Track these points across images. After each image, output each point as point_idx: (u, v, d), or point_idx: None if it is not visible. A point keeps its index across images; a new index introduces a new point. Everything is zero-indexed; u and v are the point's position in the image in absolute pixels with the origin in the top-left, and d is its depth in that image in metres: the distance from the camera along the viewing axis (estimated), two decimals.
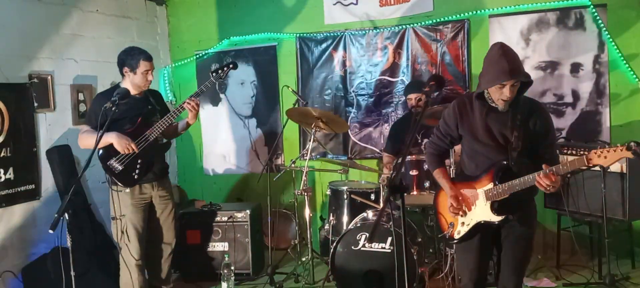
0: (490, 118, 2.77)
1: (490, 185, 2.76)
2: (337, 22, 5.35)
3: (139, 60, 3.76)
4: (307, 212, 4.34)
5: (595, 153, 2.48)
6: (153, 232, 3.99)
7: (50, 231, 2.91)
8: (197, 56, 5.77)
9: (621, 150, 2.41)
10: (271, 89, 5.59)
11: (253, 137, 5.71)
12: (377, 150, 5.30)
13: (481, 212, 2.82)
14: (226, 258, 4.22)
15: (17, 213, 4.13)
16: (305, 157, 4.40)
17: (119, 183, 3.72)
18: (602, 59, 4.71)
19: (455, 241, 2.93)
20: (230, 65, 3.99)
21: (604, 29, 4.65)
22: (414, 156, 4.10)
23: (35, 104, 4.28)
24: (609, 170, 3.95)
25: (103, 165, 3.71)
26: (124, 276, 3.84)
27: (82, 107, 4.67)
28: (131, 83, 3.79)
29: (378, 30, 5.24)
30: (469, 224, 2.86)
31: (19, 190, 4.14)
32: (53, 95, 4.43)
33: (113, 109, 3.34)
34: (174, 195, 4.22)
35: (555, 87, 4.84)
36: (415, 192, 4.07)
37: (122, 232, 3.76)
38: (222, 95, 5.78)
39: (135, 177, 3.74)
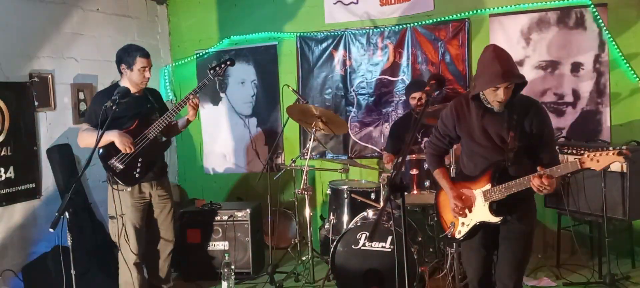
0: (487, 119, 2.78)
1: (488, 186, 2.78)
2: (337, 21, 5.35)
3: (136, 57, 3.74)
4: (307, 211, 4.34)
5: (588, 156, 2.49)
6: (152, 231, 3.99)
7: (51, 230, 2.91)
8: (198, 55, 5.76)
9: (613, 154, 2.43)
10: (271, 88, 5.59)
11: (253, 136, 5.71)
12: (378, 150, 5.29)
13: (480, 212, 2.83)
14: (226, 258, 4.22)
15: (18, 212, 4.13)
16: (305, 156, 4.40)
17: (120, 182, 3.71)
18: (603, 59, 4.71)
19: (457, 240, 2.95)
20: (228, 62, 3.99)
21: (605, 28, 4.65)
22: (414, 155, 4.10)
23: (36, 103, 4.28)
24: (609, 169, 3.93)
25: (103, 164, 3.71)
26: (123, 275, 3.84)
27: (83, 106, 4.67)
28: (129, 80, 3.77)
29: (378, 30, 5.24)
30: (469, 224, 2.88)
31: (20, 189, 4.14)
32: (53, 94, 4.43)
33: (113, 107, 3.32)
34: (173, 194, 4.22)
35: (555, 86, 4.83)
36: (415, 191, 4.07)
37: (121, 231, 3.75)
38: (222, 95, 5.77)
39: (136, 176, 3.74)
